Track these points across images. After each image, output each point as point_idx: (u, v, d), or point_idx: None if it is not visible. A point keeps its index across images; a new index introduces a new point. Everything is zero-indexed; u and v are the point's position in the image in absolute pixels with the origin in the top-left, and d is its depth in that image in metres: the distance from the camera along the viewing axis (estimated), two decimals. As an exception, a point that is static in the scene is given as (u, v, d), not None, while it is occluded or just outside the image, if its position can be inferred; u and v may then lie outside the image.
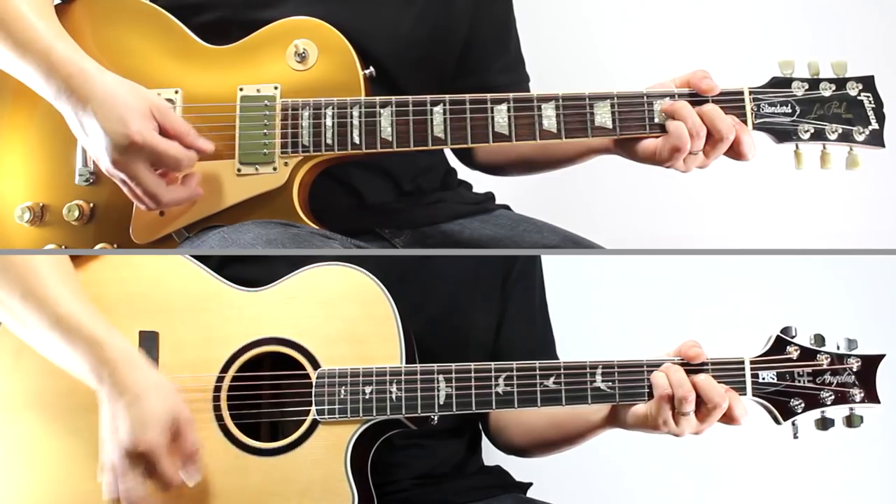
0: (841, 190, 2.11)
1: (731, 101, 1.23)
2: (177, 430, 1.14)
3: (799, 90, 1.24)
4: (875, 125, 1.23)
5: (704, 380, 1.16)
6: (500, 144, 1.48)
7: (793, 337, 1.20)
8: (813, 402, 1.18)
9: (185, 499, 1.17)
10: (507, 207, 1.56)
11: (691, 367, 1.18)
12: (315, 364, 1.21)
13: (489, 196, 1.57)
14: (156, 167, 1.23)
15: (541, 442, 1.36)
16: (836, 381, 1.18)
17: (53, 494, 1.20)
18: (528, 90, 1.55)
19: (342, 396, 1.19)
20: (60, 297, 1.18)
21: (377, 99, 1.28)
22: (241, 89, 1.30)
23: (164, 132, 1.23)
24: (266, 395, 1.24)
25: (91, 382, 1.16)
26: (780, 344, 1.20)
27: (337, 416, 1.19)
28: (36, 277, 1.19)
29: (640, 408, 1.18)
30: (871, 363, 1.18)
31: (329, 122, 1.28)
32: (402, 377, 1.19)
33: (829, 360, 1.19)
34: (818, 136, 1.23)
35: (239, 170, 1.29)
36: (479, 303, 1.37)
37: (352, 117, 1.28)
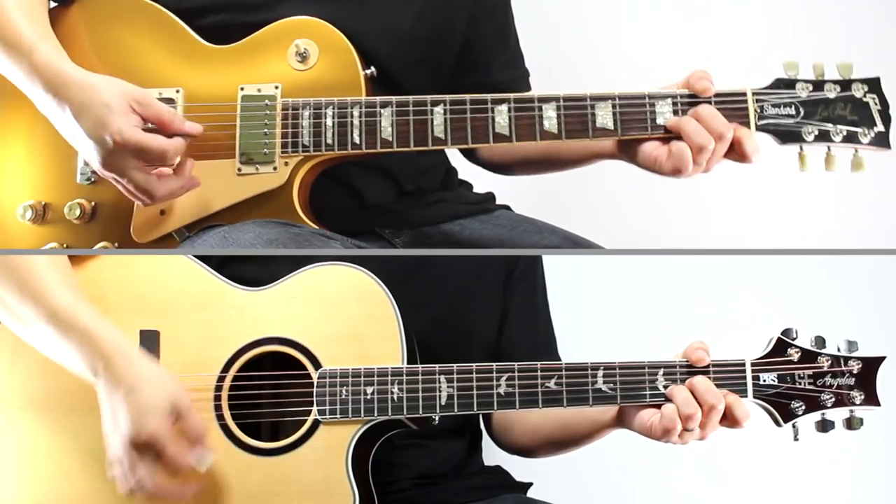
0: (843, 190, 2.10)
1: (733, 103, 1.23)
2: (178, 415, 1.14)
3: (803, 91, 1.23)
4: (881, 127, 1.22)
5: (701, 381, 1.16)
6: (503, 145, 1.48)
7: (794, 339, 1.20)
8: (813, 404, 1.18)
9: (186, 498, 1.16)
10: (507, 208, 1.56)
11: (692, 370, 1.18)
12: (316, 364, 1.21)
13: (489, 196, 1.56)
14: (144, 162, 1.22)
15: (547, 442, 1.36)
16: (836, 384, 1.18)
17: (52, 494, 1.20)
18: (528, 85, 1.55)
19: (343, 397, 1.19)
20: (56, 293, 1.18)
21: (377, 99, 1.28)
22: (241, 89, 1.30)
23: (148, 122, 1.22)
24: (267, 395, 1.24)
25: (87, 377, 1.16)
26: (780, 346, 1.20)
27: (338, 416, 1.19)
28: (33, 274, 1.19)
29: (645, 418, 1.18)
30: (871, 366, 1.18)
31: (329, 121, 1.28)
32: (404, 377, 1.19)
33: (829, 362, 1.19)
34: (823, 137, 1.22)
35: (239, 169, 1.29)
36: (480, 303, 1.37)
37: (352, 117, 1.27)
